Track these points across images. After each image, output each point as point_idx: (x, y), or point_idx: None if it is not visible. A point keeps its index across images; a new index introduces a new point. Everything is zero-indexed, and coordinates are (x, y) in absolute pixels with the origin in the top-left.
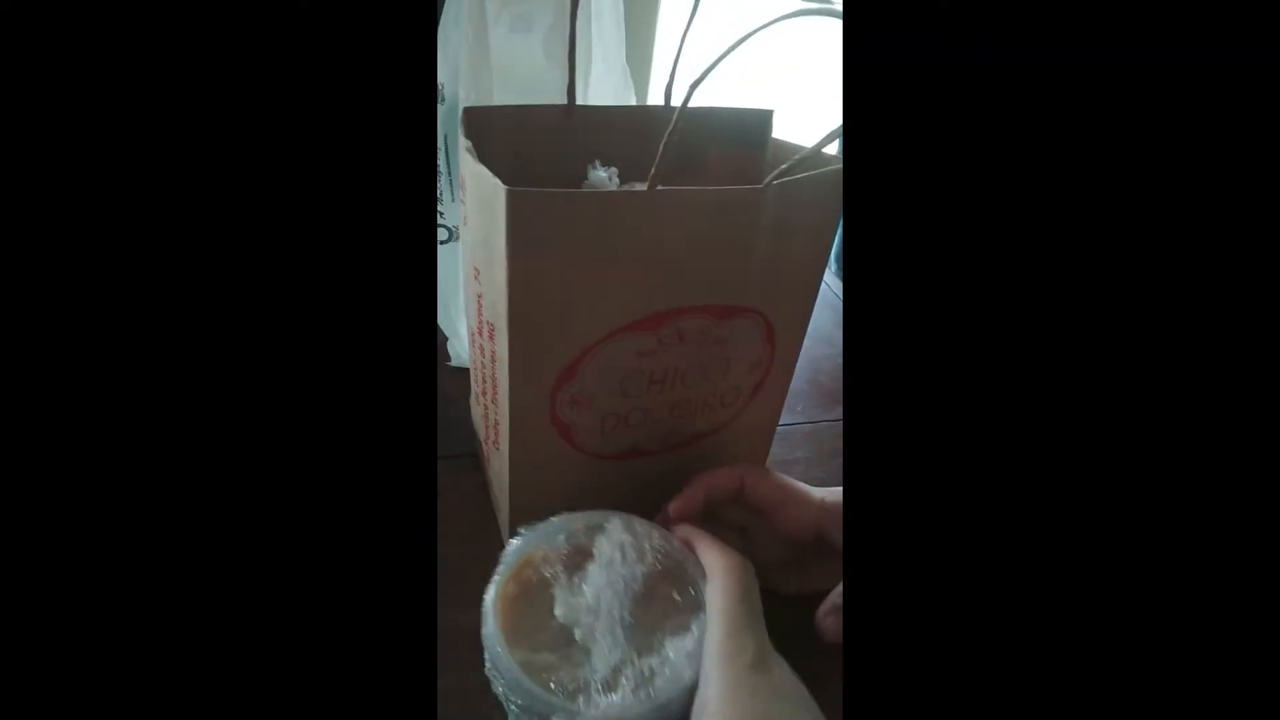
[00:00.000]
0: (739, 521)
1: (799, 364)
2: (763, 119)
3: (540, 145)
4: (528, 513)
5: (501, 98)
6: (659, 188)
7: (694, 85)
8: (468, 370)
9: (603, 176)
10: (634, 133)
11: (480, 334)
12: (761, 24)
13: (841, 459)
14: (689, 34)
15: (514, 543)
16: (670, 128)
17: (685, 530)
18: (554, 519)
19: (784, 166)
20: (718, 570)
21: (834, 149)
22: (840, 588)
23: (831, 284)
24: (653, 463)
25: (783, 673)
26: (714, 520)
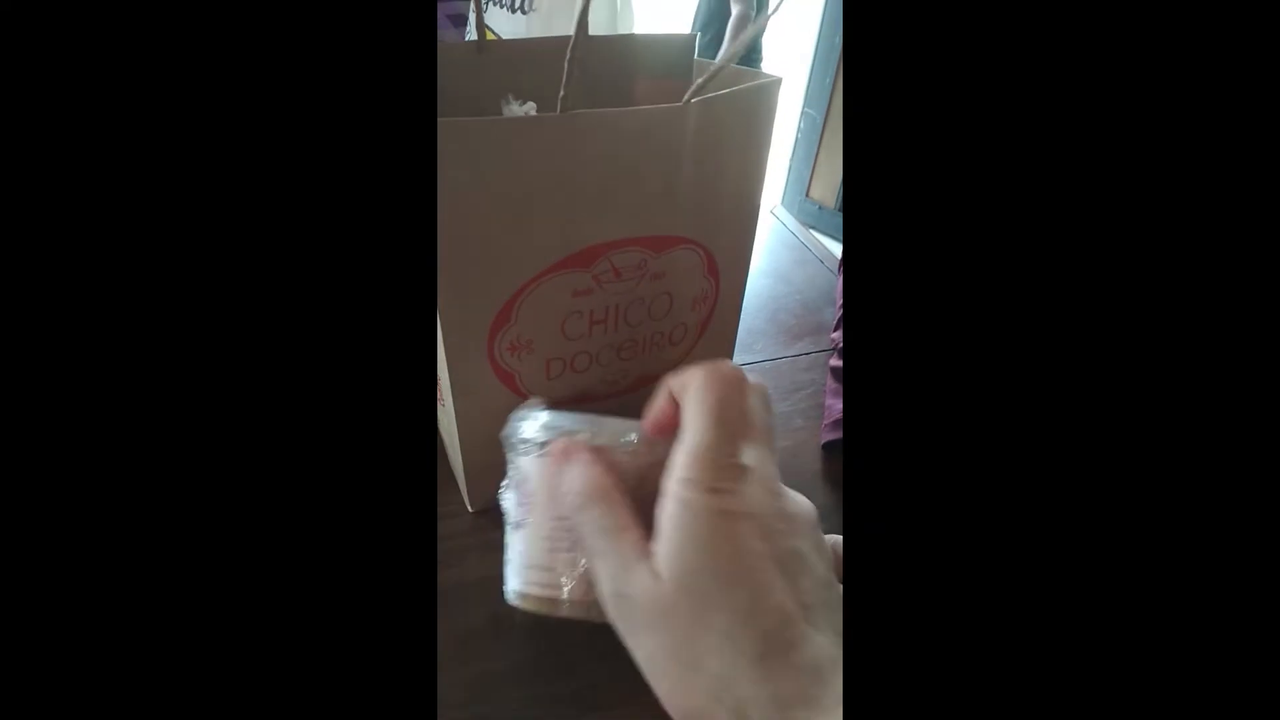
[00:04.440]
0: None
1: (758, 303)
2: (686, 43)
3: (452, 84)
4: (483, 468)
5: None
6: (574, 112)
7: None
8: None
9: (518, 110)
10: (552, 66)
11: None
12: None
13: (804, 393)
14: None
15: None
16: (572, 43)
17: (675, 382)
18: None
19: (699, 82)
20: (695, 383)
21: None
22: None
23: (787, 222)
24: (605, 409)
25: (746, 501)
26: None
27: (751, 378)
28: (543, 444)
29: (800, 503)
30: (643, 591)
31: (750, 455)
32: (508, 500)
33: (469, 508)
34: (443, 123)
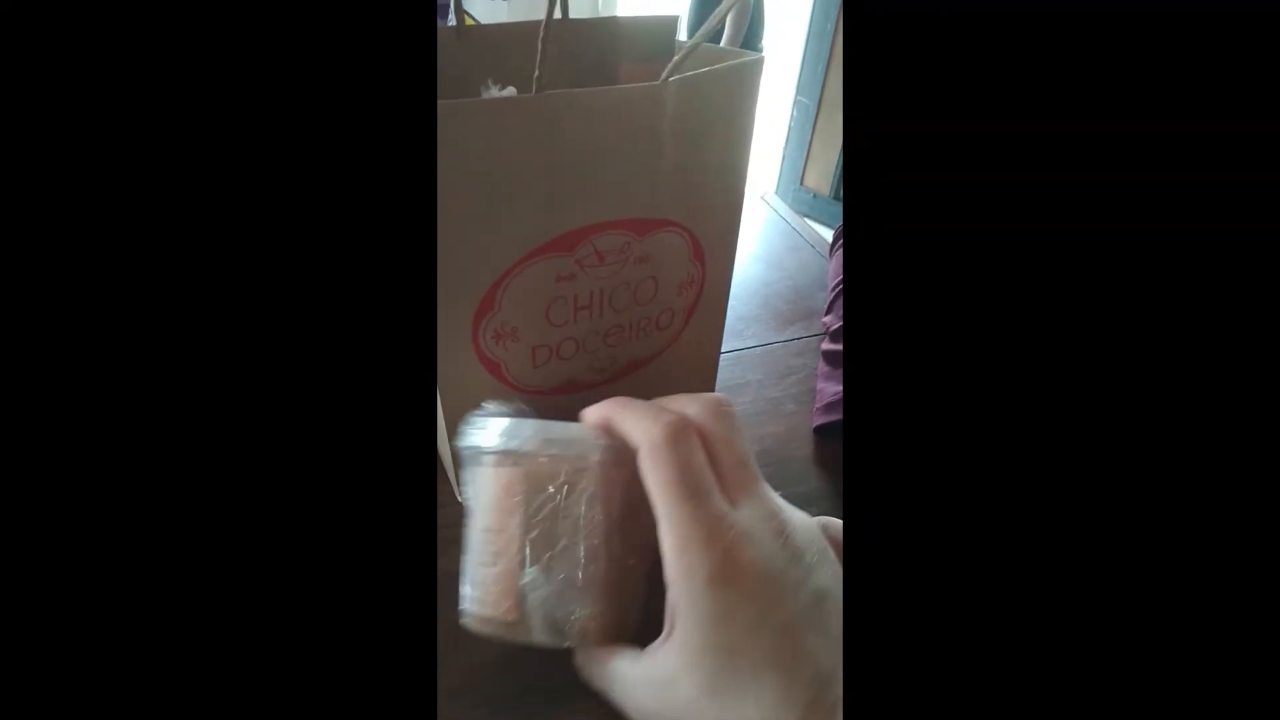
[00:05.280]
0: None
1: (750, 289)
2: (668, 25)
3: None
4: None
5: None
6: (550, 92)
7: None
8: None
9: (498, 94)
10: (532, 51)
11: None
12: None
13: (795, 378)
14: None
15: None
16: (545, 21)
17: (596, 411)
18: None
19: (676, 59)
20: (644, 449)
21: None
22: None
23: (779, 208)
24: (593, 395)
25: (756, 571)
26: None
27: (719, 397)
28: (486, 451)
29: (802, 526)
30: (671, 701)
31: (745, 507)
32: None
33: (458, 498)
34: None
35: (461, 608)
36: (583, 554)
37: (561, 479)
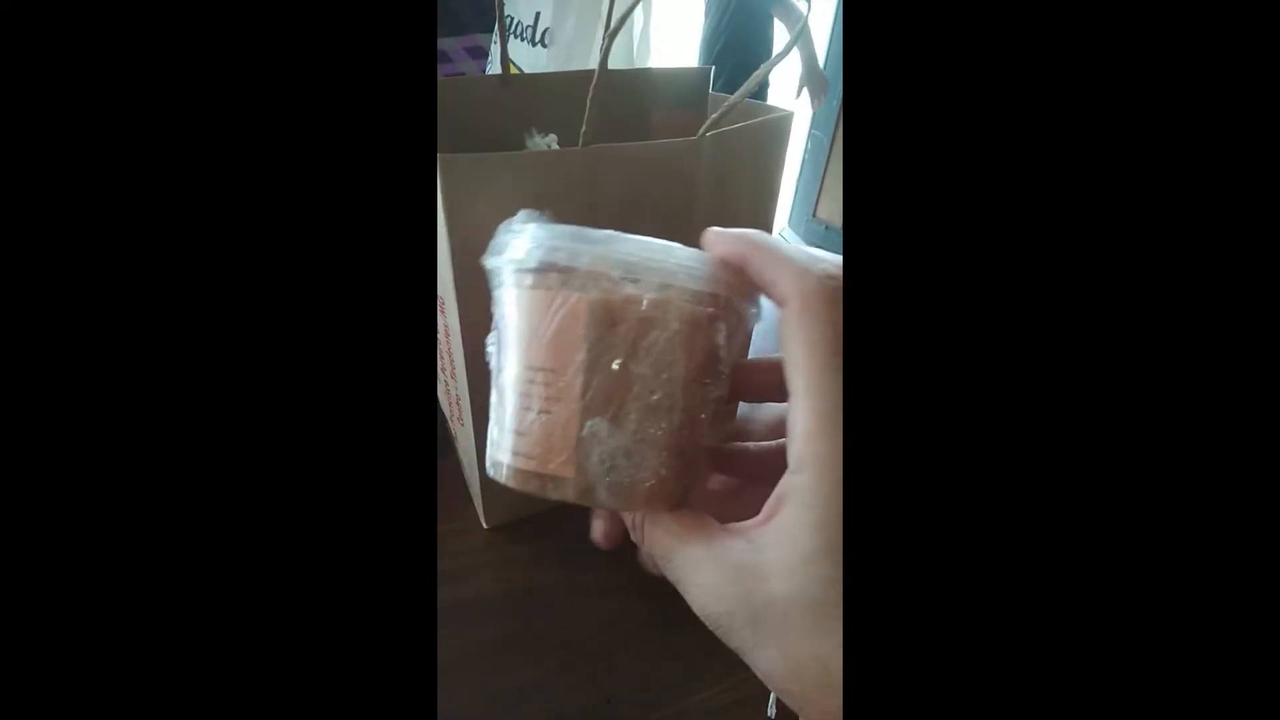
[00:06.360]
0: None
1: (765, 323)
2: (701, 76)
3: (476, 116)
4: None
5: None
6: (594, 146)
7: (610, 35)
8: None
9: (540, 143)
10: (573, 99)
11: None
12: None
13: None
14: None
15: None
16: (594, 81)
17: (726, 244)
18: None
19: (714, 116)
20: (794, 301)
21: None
22: None
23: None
24: None
25: None
26: None
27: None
28: (533, 269)
29: None
30: (750, 600)
31: None
32: (491, 347)
33: (484, 524)
34: (467, 158)
35: (493, 459)
36: (660, 404)
37: (641, 312)
